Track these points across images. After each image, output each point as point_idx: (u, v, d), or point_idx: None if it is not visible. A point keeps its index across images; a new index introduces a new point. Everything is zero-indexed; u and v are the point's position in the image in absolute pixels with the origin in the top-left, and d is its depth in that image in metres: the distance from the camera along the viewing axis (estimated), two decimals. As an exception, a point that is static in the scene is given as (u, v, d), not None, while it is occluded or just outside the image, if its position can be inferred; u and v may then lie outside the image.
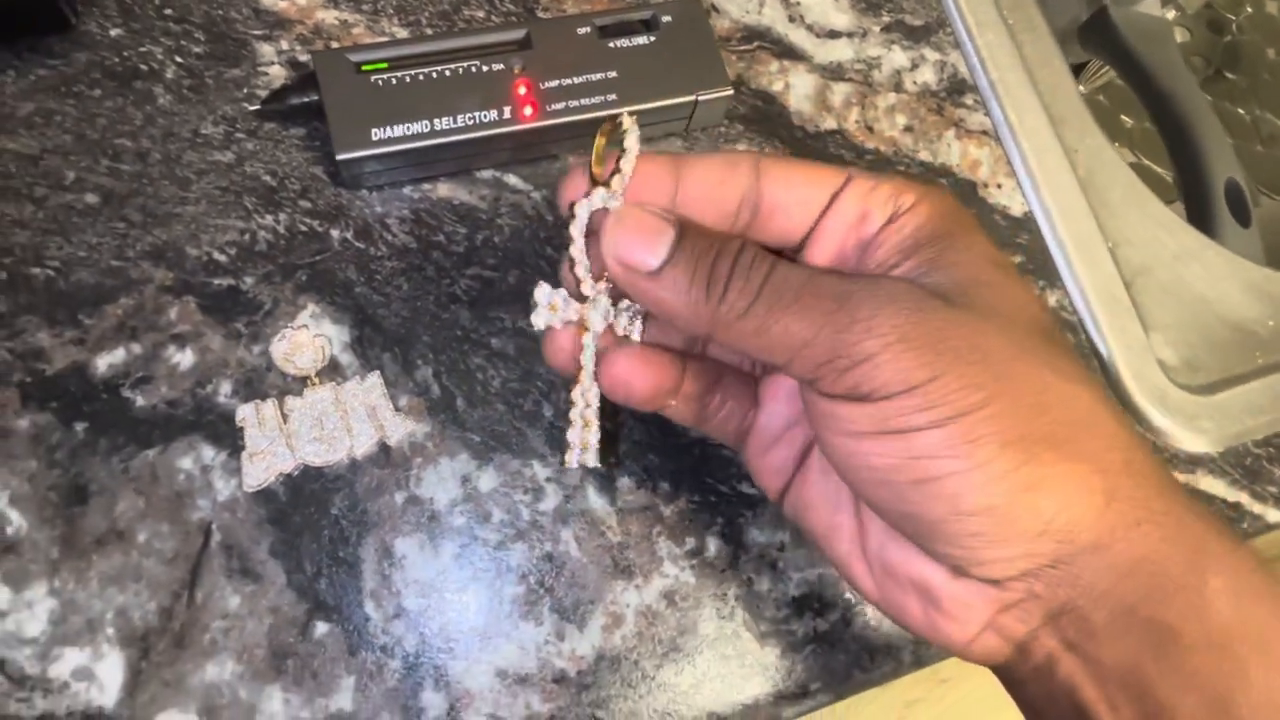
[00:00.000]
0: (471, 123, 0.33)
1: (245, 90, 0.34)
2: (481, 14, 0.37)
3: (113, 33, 0.34)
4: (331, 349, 0.32)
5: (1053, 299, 0.39)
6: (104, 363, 0.30)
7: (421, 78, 0.33)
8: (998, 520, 0.20)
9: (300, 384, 0.31)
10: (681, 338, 0.27)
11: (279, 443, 0.30)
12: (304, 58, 0.35)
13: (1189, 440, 0.37)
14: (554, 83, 0.34)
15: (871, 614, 0.33)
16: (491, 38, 0.34)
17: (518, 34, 0.35)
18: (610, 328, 0.26)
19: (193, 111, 0.34)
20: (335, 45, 0.35)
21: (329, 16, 0.36)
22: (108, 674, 0.28)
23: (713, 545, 0.32)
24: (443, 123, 0.33)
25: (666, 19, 0.35)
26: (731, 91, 0.36)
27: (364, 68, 0.33)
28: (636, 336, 0.26)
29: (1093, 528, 0.21)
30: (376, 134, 0.32)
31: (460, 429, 0.32)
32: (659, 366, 0.26)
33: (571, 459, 0.27)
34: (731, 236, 0.23)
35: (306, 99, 0.33)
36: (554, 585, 0.31)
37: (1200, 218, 0.49)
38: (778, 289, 0.22)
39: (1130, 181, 0.40)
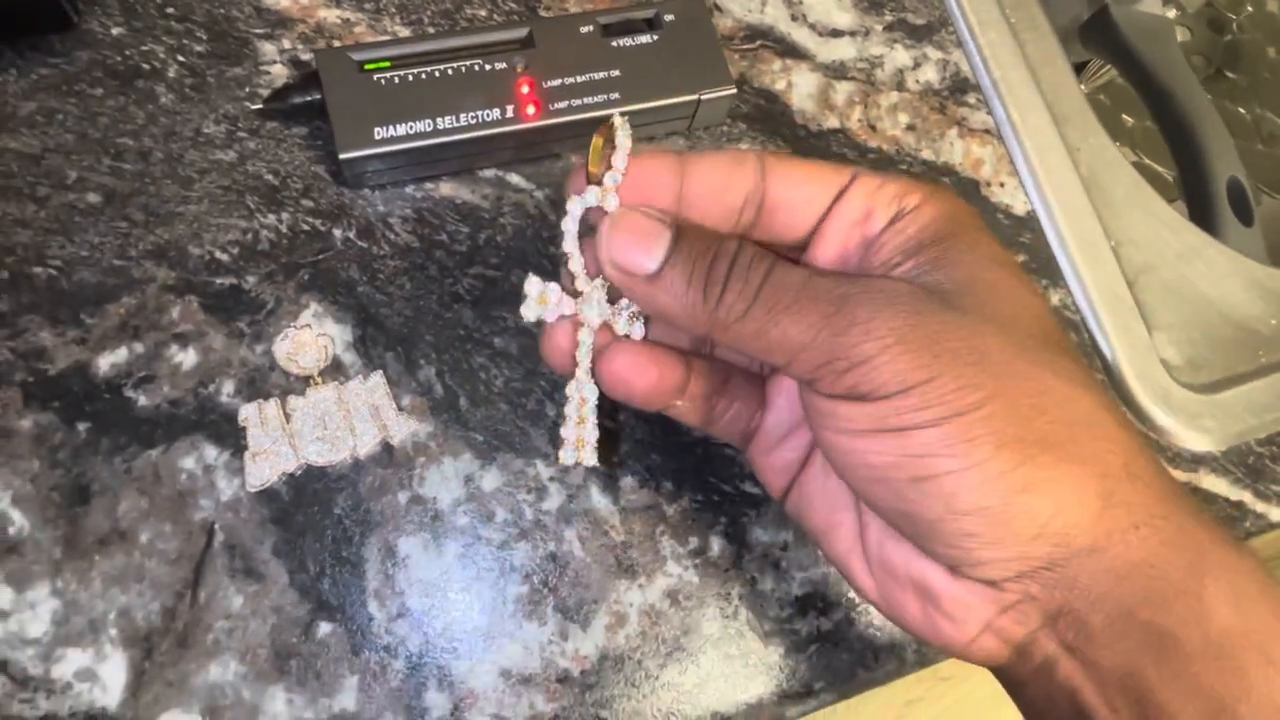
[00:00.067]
0: (474, 122, 0.33)
1: (247, 89, 0.34)
2: (484, 13, 0.37)
3: (114, 31, 0.34)
4: (334, 348, 0.32)
5: (1055, 298, 0.38)
6: (106, 362, 0.30)
7: (424, 76, 0.33)
8: (992, 521, 0.20)
9: (303, 383, 0.31)
10: (688, 337, 0.27)
11: (282, 442, 0.30)
12: (306, 56, 0.35)
13: (1192, 439, 0.37)
14: (556, 81, 0.34)
15: (875, 613, 0.33)
16: (494, 36, 0.34)
17: (520, 33, 0.34)
18: (610, 327, 0.26)
19: (195, 110, 0.34)
20: (337, 44, 0.35)
21: (331, 15, 0.36)
22: (111, 674, 0.28)
23: (716, 545, 0.32)
24: (445, 122, 0.33)
25: (669, 18, 0.35)
26: (734, 90, 0.35)
27: (366, 66, 0.33)
28: (638, 338, 0.26)
29: (1089, 531, 0.21)
30: (379, 133, 0.32)
31: (463, 428, 0.32)
32: (661, 365, 0.25)
33: (565, 455, 0.27)
34: (729, 237, 0.23)
35: (309, 98, 0.33)
36: (557, 585, 0.31)
37: (1202, 216, 0.49)
38: (776, 291, 0.22)
39: (1133, 180, 0.40)
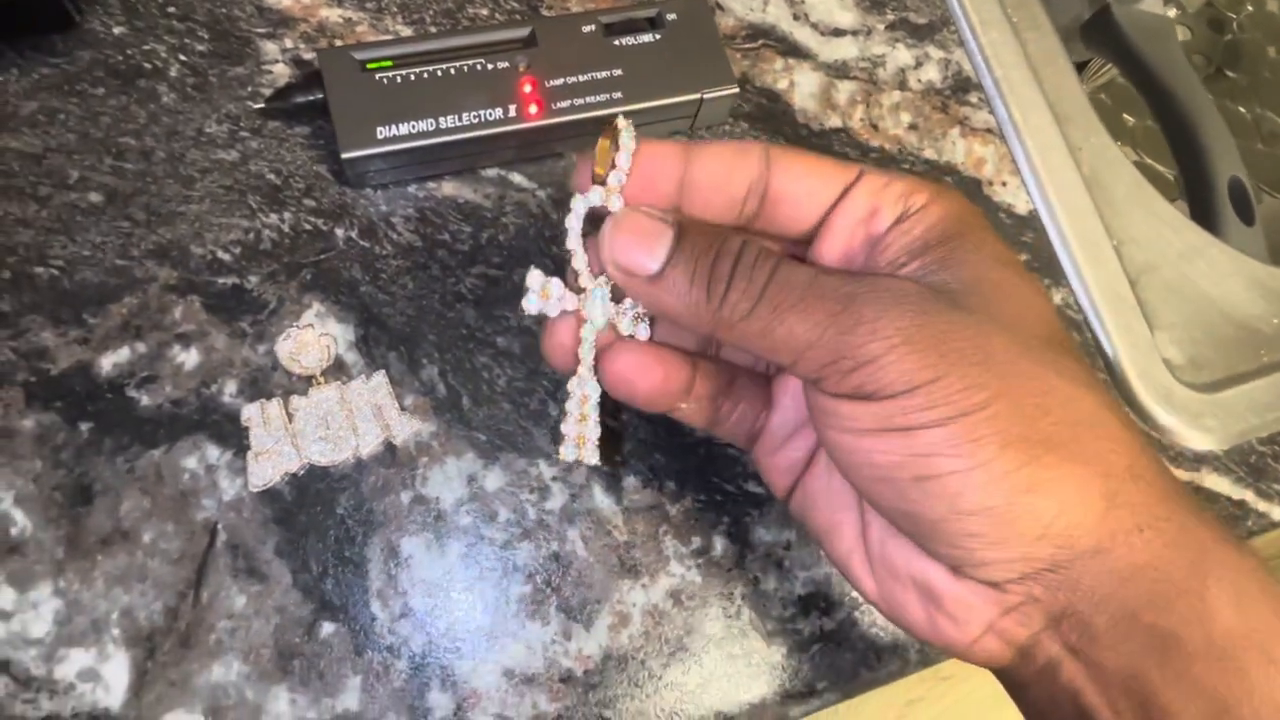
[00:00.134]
0: (476, 121, 0.33)
1: (249, 88, 0.34)
2: (486, 12, 0.37)
3: (116, 31, 0.34)
4: (337, 348, 0.32)
5: (1058, 297, 0.38)
6: (108, 362, 0.30)
7: (426, 76, 0.33)
8: (996, 521, 0.20)
9: (305, 383, 0.31)
10: (694, 338, 0.27)
11: (284, 442, 0.30)
12: (308, 56, 0.35)
13: (1194, 438, 0.37)
14: (559, 81, 0.34)
15: (878, 613, 0.33)
16: (496, 35, 0.34)
17: (522, 32, 0.34)
18: (614, 327, 0.26)
19: (197, 110, 0.34)
20: (339, 43, 0.35)
21: (333, 14, 0.36)
22: (113, 675, 0.28)
23: (719, 544, 0.32)
24: (448, 121, 0.33)
25: (671, 17, 0.35)
26: (737, 89, 0.35)
27: (369, 66, 0.33)
28: (643, 338, 0.26)
29: (1092, 532, 0.21)
30: (381, 132, 0.32)
31: (466, 428, 0.32)
32: (665, 365, 0.25)
33: (566, 451, 0.27)
34: (732, 235, 0.23)
35: (311, 97, 0.33)
36: (560, 585, 0.31)
37: (1204, 215, 0.49)
38: (781, 289, 0.22)
39: (1135, 179, 0.40)
